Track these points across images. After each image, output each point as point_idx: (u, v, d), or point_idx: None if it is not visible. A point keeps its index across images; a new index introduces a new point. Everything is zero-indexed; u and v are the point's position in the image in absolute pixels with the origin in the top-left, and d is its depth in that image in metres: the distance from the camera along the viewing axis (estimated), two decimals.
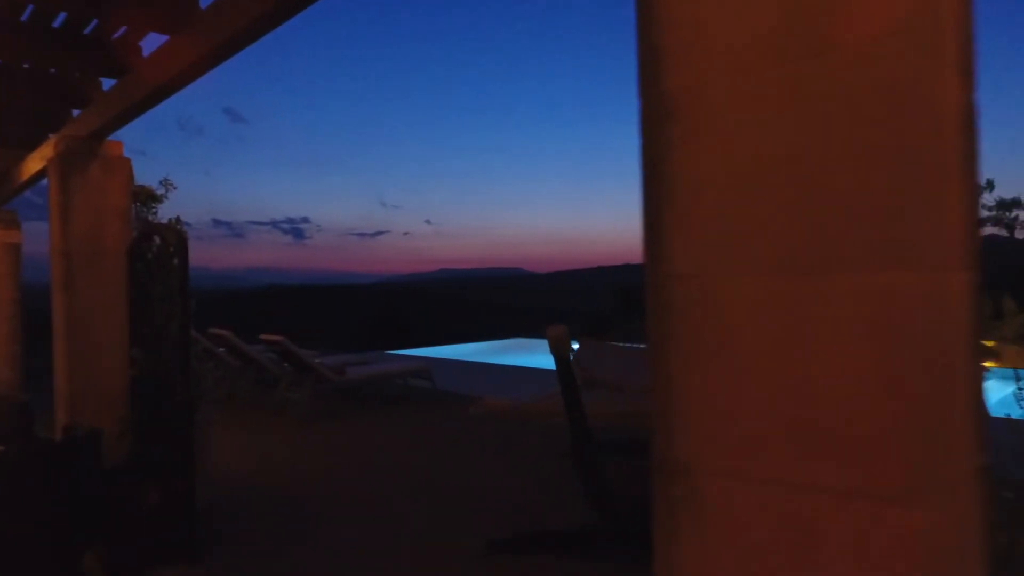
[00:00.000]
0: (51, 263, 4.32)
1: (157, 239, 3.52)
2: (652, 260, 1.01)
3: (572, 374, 3.08)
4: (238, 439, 5.66)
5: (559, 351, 3.04)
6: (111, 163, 4.31)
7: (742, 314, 0.91)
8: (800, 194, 0.86)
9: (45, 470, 3.07)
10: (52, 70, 4.12)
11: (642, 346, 7.65)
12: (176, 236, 3.40)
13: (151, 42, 3.56)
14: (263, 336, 6.76)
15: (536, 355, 12.13)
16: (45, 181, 4.68)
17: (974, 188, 0.90)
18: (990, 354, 2.20)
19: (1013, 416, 2.70)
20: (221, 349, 7.62)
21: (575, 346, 5.19)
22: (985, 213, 3.37)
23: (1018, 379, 2.60)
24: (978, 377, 0.88)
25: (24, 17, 3.41)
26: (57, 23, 3.50)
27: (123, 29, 3.53)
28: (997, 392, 2.50)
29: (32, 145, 5.15)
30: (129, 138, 4.38)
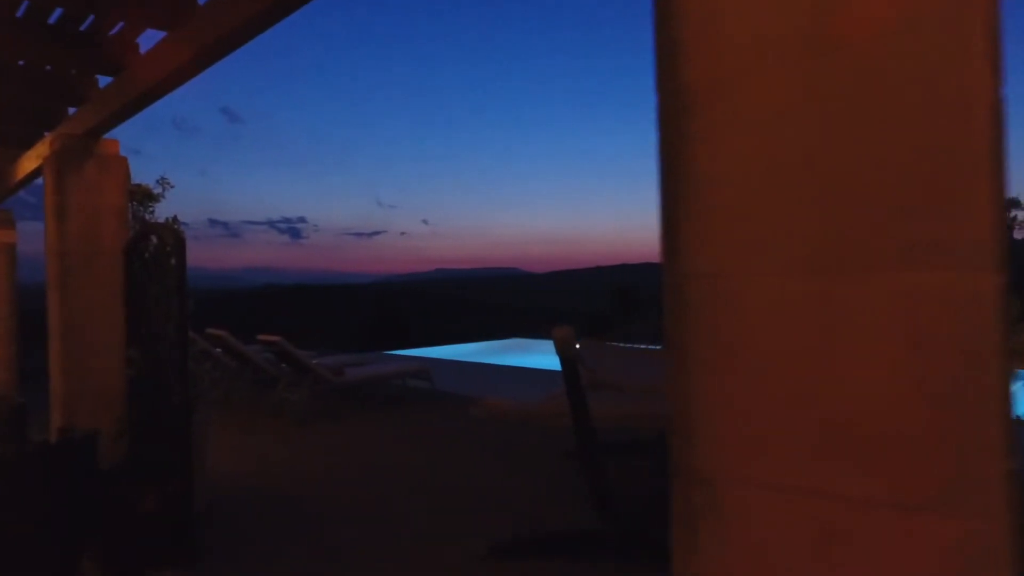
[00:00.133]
0: (46, 263, 4.28)
1: (154, 238, 3.48)
2: (669, 259, 0.98)
3: (578, 375, 3.05)
4: (236, 440, 5.62)
5: (565, 352, 3.02)
6: (107, 161, 4.27)
7: (764, 315, 0.88)
8: (826, 191, 0.83)
9: (40, 472, 3.03)
10: (48, 67, 4.07)
11: (642, 347, 7.63)
12: (173, 235, 3.37)
13: (148, 39, 3.53)
14: (260, 336, 6.71)
15: (534, 355, 12.12)
16: (40, 180, 4.63)
17: (1003, 185, 0.87)
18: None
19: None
20: (218, 350, 7.58)
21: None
22: None
23: None
24: (1009, 379, 0.85)
25: (19, 13, 3.37)
26: (53, 19, 3.46)
27: (120, 25, 3.49)
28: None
29: (27, 143, 5.11)
30: (124, 137, 4.34)
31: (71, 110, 4.39)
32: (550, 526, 3.53)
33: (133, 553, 3.07)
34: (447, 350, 13.74)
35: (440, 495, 4.20)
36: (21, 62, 3.94)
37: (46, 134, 4.73)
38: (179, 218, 7.09)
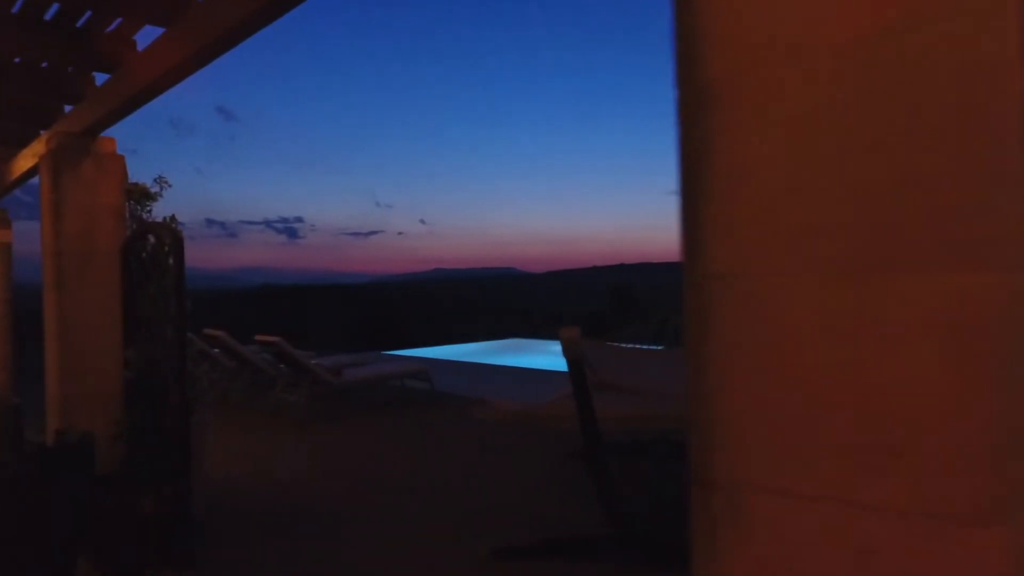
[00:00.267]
0: (43, 263, 4.23)
1: (152, 238, 3.44)
2: (690, 259, 0.94)
3: (584, 377, 3.03)
4: (234, 442, 5.57)
5: (572, 354, 2.99)
6: (104, 160, 4.22)
7: (793, 317, 0.84)
8: (861, 187, 0.79)
9: (36, 475, 2.99)
10: (44, 64, 4.02)
11: (642, 347, 7.59)
12: (171, 235, 3.33)
13: (145, 36, 3.48)
14: (258, 337, 6.66)
15: (534, 355, 12.09)
16: (36, 179, 4.58)
17: None
18: None
19: None
20: (216, 350, 7.53)
21: None
22: None
23: None
24: None
25: (15, 9, 3.32)
26: (49, 15, 3.41)
27: (117, 22, 3.44)
28: None
29: (23, 142, 5.05)
30: (121, 136, 4.29)
31: (67, 108, 4.34)
32: (551, 527, 3.50)
33: (131, 555, 3.03)
34: (446, 350, 13.70)
35: (441, 496, 4.17)
36: (17, 59, 3.89)
37: (42, 132, 4.67)
38: (176, 217, 7.02)
